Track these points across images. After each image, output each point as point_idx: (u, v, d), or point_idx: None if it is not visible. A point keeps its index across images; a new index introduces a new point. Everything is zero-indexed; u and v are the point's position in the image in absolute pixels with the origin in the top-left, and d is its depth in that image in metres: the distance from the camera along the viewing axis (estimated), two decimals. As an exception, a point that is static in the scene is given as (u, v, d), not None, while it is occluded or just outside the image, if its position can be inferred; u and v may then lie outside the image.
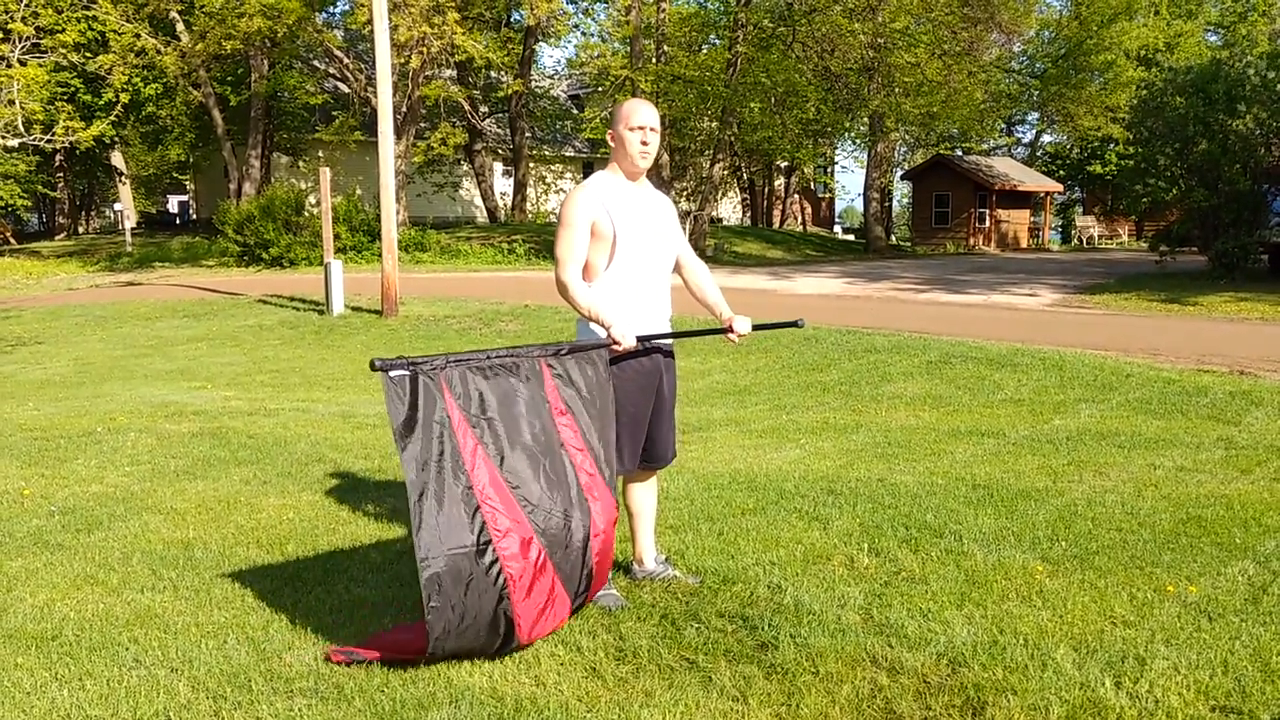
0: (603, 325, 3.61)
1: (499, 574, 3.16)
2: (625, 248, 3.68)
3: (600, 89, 32.29)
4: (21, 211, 35.31)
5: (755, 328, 3.92)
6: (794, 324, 4.03)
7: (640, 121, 3.69)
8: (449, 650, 3.18)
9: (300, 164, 33.16)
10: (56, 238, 37.78)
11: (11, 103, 16.11)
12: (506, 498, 3.24)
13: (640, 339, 3.66)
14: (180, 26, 27.04)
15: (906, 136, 43.29)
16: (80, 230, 41.79)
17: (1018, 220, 38.88)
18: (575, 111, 38.70)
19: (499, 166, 38.46)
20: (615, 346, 3.58)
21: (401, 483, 5.81)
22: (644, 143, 3.70)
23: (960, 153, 41.97)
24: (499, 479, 3.25)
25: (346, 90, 29.45)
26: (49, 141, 17.24)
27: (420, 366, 3.20)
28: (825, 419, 7.93)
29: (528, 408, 3.38)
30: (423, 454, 3.16)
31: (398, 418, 3.15)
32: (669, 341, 3.90)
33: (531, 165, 36.74)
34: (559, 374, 3.51)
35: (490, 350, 3.42)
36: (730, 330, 3.85)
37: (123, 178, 39.37)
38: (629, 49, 27.83)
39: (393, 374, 3.16)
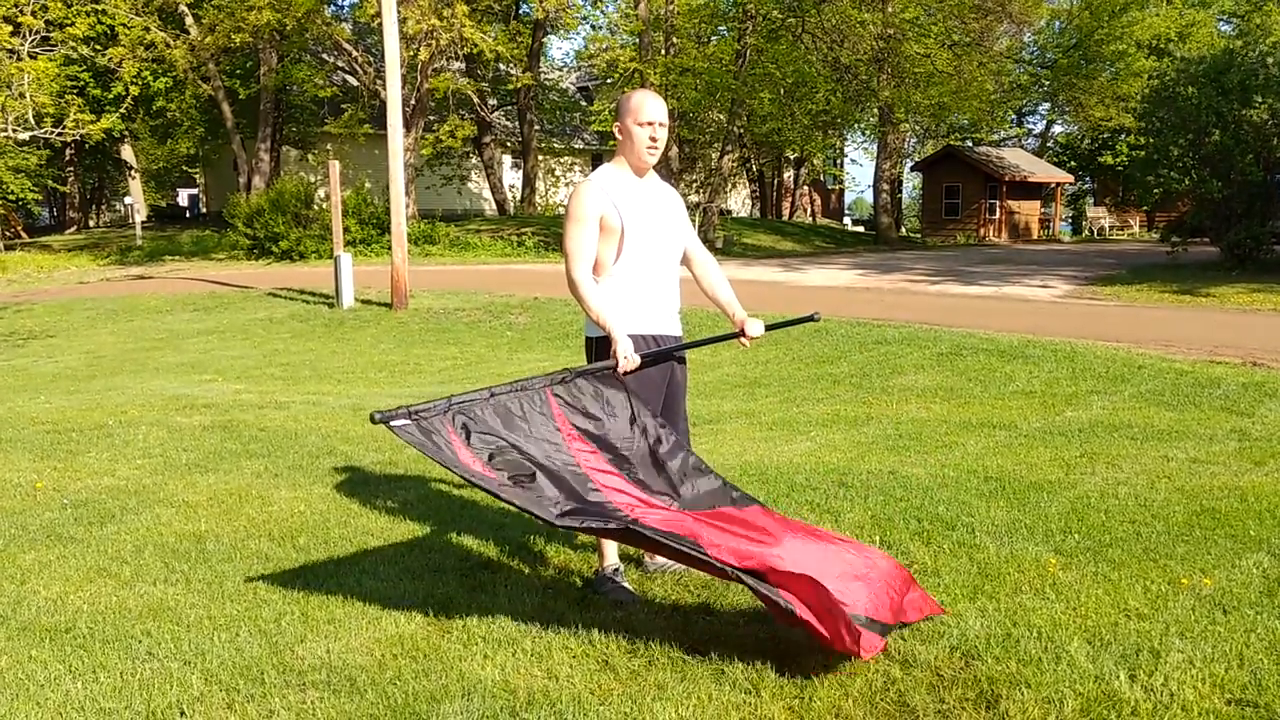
0: (609, 335, 3.58)
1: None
2: (633, 241, 3.67)
3: (609, 81, 32.26)
4: (32, 205, 35.44)
5: (769, 327, 3.89)
6: (809, 319, 4.00)
7: (649, 117, 3.66)
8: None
9: (309, 157, 33.21)
10: (67, 231, 37.91)
11: (21, 96, 16.15)
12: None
13: (645, 356, 3.64)
14: (189, 20, 27.07)
15: (916, 128, 43.13)
16: (91, 224, 41.94)
17: (1028, 211, 38.73)
18: (584, 104, 38.66)
19: (508, 159, 38.46)
20: (620, 369, 3.57)
21: (413, 475, 5.84)
22: (652, 138, 3.68)
23: (970, 144, 41.78)
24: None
25: (355, 83, 29.46)
26: (59, 135, 17.27)
27: (421, 415, 3.14)
28: (836, 411, 7.91)
29: (539, 441, 3.34)
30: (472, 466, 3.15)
31: (436, 458, 3.12)
32: (679, 333, 3.88)
33: (540, 158, 36.71)
34: (566, 403, 3.48)
35: (494, 387, 3.37)
36: (742, 334, 3.83)
37: (133, 171, 39.45)
38: (638, 41, 27.77)
39: (395, 424, 3.09)
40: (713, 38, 31.39)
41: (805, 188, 49.44)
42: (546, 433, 3.38)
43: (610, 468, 3.45)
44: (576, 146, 40.12)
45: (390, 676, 3.14)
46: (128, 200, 36.03)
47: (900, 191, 47.32)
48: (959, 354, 10.16)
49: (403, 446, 6.59)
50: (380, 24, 16.48)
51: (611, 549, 3.86)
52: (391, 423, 3.09)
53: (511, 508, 3.34)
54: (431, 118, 29.27)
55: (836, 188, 53.55)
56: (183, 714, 2.98)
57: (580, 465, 3.39)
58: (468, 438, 3.20)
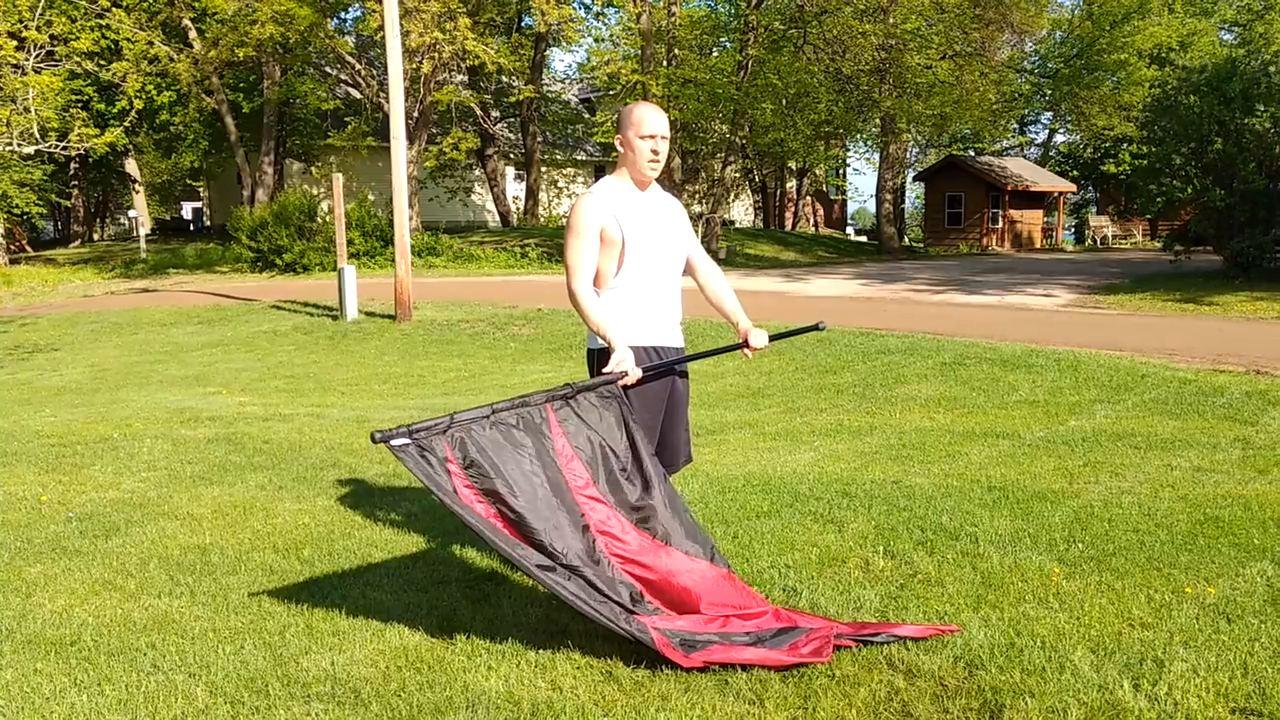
0: (609, 347, 3.59)
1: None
2: (634, 253, 3.67)
3: (612, 93, 32.34)
4: (37, 219, 35.55)
5: (773, 338, 3.89)
6: (814, 328, 4.00)
7: (651, 130, 3.66)
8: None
9: (313, 170, 33.31)
10: (71, 245, 38.01)
11: (26, 110, 16.22)
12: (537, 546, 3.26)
13: (647, 370, 3.65)
14: (193, 34, 27.21)
15: (918, 137, 43.20)
16: (95, 237, 42.06)
17: (1031, 220, 38.75)
18: (587, 115, 38.76)
19: (511, 171, 38.53)
20: (621, 381, 3.59)
21: (417, 487, 5.84)
22: (654, 151, 3.68)
23: (973, 153, 41.82)
24: (526, 537, 3.25)
25: (359, 96, 29.57)
26: (64, 149, 17.35)
27: (420, 435, 3.16)
28: (839, 421, 7.92)
29: (534, 464, 3.35)
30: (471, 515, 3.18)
31: (431, 485, 3.14)
32: (681, 345, 3.88)
33: (543, 169, 36.79)
34: (566, 419, 3.49)
35: (496, 404, 3.38)
36: (746, 345, 3.84)
37: (137, 185, 39.61)
38: (640, 53, 27.87)
39: (394, 444, 3.11)
40: (714, 49, 31.48)
41: (808, 198, 49.46)
42: (545, 451, 3.39)
43: (600, 494, 3.45)
44: (579, 158, 40.20)
45: (395, 688, 3.14)
46: (132, 214, 36.21)
47: (903, 201, 47.35)
48: (962, 363, 10.15)
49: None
50: (383, 37, 16.55)
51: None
52: (391, 442, 3.10)
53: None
54: (434, 130, 29.36)
55: (839, 198, 53.60)
56: (187, 726, 2.98)
57: (573, 491, 3.40)
58: (465, 462, 3.22)
